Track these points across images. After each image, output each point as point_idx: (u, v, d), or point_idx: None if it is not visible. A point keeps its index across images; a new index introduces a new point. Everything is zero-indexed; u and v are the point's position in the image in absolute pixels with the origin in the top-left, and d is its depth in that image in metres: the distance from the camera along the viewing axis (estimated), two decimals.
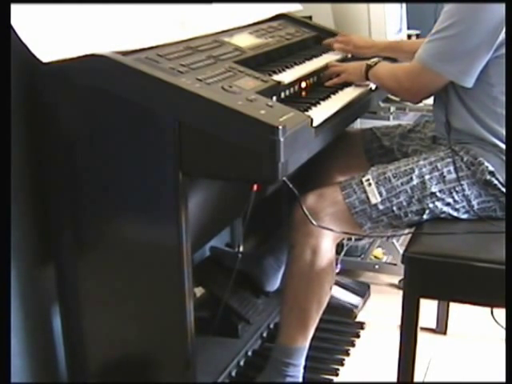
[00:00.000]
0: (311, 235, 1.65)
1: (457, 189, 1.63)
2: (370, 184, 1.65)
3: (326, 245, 1.67)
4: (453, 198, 1.63)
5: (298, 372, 1.75)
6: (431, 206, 1.64)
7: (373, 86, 1.85)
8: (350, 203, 1.65)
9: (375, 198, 1.64)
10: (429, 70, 1.63)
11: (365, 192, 1.65)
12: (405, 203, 1.64)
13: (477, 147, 1.64)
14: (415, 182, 1.64)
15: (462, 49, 1.58)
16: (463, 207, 1.64)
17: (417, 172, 1.64)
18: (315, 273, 1.68)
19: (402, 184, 1.64)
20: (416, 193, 1.64)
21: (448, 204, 1.63)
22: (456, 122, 1.69)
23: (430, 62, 1.63)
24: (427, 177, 1.64)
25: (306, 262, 1.67)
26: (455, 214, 1.64)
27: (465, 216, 1.65)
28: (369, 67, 1.78)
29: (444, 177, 1.63)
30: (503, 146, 1.62)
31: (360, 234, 1.82)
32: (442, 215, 1.65)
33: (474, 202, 1.63)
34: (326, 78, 1.83)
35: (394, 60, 2.00)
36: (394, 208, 1.64)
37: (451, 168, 1.64)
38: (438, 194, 1.63)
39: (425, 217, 1.65)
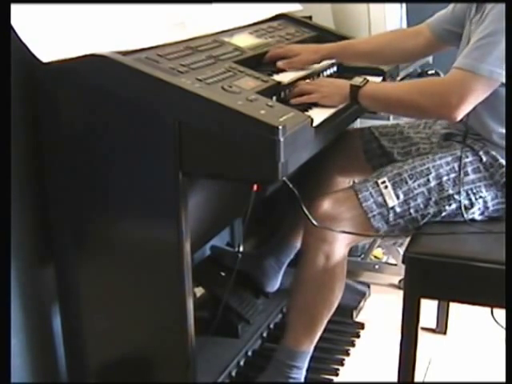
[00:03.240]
0: (325, 240, 1.62)
1: (474, 191, 1.61)
2: (386, 186, 1.61)
3: (339, 250, 1.65)
4: (470, 199, 1.61)
5: (300, 375, 1.75)
6: (448, 208, 1.61)
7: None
8: (367, 207, 1.61)
9: (392, 201, 1.60)
10: (485, 78, 1.48)
11: (381, 195, 1.61)
12: (422, 206, 1.61)
13: (497, 147, 1.61)
14: (432, 183, 1.61)
15: None
16: (479, 209, 1.62)
17: (434, 173, 1.61)
18: (327, 278, 1.66)
19: (419, 186, 1.61)
20: (433, 195, 1.61)
21: (464, 206, 1.60)
22: (477, 124, 1.64)
23: (487, 69, 1.47)
24: (445, 178, 1.61)
25: (319, 268, 1.65)
26: (470, 216, 1.62)
27: (479, 218, 1.63)
28: (357, 88, 1.58)
29: (462, 178, 1.60)
30: None
31: (372, 235, 1.77)
32: (457, 218, 1.62)
33: (490, 204, 1.62)
34: (292, 97, 1.60)
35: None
36: (412, 210, 1.61)
37: (469, 169, 1.61)
38: (455, 195, 1.60)
39: (439, 218, 1.62)
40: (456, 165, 1.61)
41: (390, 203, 1.61)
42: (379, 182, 1.63)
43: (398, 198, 1.61)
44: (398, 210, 1.62)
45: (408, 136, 1.90)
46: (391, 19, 2.51)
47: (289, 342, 1.74)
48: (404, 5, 2.72)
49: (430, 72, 2.71)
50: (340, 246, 1.64)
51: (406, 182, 1.62)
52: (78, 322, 1.51)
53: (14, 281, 1.43)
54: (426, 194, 1.61)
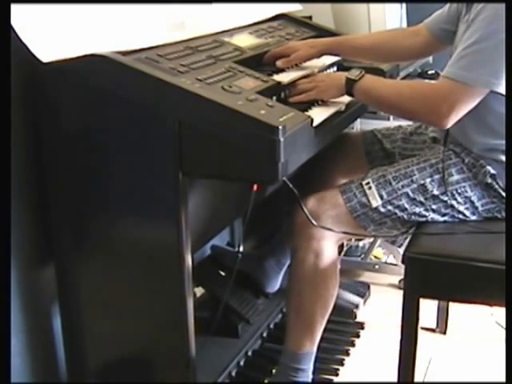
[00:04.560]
0: (313, 238, 1.64)
1: (459, 191, 1.61)
2: (370, 187, 1.63)
3: (329, 247, 1.66)
4: (456, 200, 1.62)
5: (306, 377, 1.75)
6: (434, 207, 1.62)
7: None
8: (351, 207, 1.63)
9: (376, 201, 1.62)
10: (472, 87, 1.48)
11: (365, 195, 1.63)
12: (407, 206, 1.63)
13: (477, 153, 1.61)
14: (416, 184, 1.62)
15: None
16: (467, 209, 1.62)
17: (417, 175, 1.63)
18: (319, 276, 1.67)
19: (402, 187, 1.63)
20: (417, 195, 1.62)
21: (451, 206, 1.62)
22: (460, 134, 1.64)
23: (473, 79, 1.47)
24: (428, 179, 1.62)
25: (310, 266, 1.66)
26: (460, 216, 1.63)
27: (473, 217, 1.63)
28: (352, 81, 1.57)
29: (445, 179, 1.61)
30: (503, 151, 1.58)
31: (361, 235, 1.80)
32: (447, 217, 1.63)
33: (478, 204, 1.62)
34: (292, 96, 1.59)
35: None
36: (397, 210, 1.63)
37: (452, 170, 1.62)
38: (440, 196, 1.62)
39: (429, 219, 1.63)
40: (440, 166, 1.63)
41: (374, 203, 1.63)
42: (363, 183, 1.64)
43: (381, 198, 1.63)
44: (382, 209, 1.63)
45: (410, 139, 1.90)
46: (391, 19, 2.51)
47: (290, 345, 1.74)
48: (404, 5, 2.73)
49: (429, 72, 2.72)
50: (329, 243, 1.65)
51: (390, 183, 1.63)
52: (78, 322, 1.51)
53: (14, 281, 1.43)
54: (410, 194, 1.62)
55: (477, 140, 1.61)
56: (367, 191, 1.63)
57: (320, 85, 1.60)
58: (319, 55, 1.83)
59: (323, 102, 1.61)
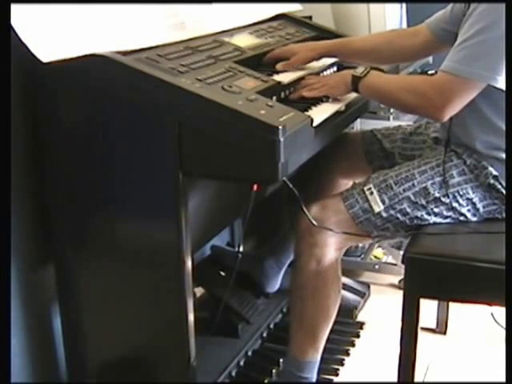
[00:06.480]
0: (316, 245, 1.63)
1: (461, 193, 1.61)
2: (371, 192, 1.63)
3: (330, 254, 1.65)
4: (457, 202, 1.61)
5: None
6: (436, 210, 1.62)
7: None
8: (353, 213, 1.63)
9: (378, 207, 1.62)
10: (466, 80, 1.49)
11: (367, 201, 1.62)
12: (409, 210, 1.62)
13: (480, 150, 1.61)
14: (417, 188, 1.62)
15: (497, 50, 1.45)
16: (469, 211, 1.62)
17: (418, 178, 1.62)
18: (320, 283, 1.66)
19: (404, 190, 1.62)
20: (419, 199, 1.61)
21: (453, 208, 1.61)
22: (461, 130, 1.64)
23: (467, 72, 1.47)
24: (430, 182, 1.61)
25: (311, 273, 1.65)
26: (462, 218, 1.62)
27: (474, 219, 1.63)
28: (358, 78, 1.60)
29: (447, 181, 1.61)
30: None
31: (364, 241, 1.79)
32: (449, 219, 1.63)
33: (480, 205, 1.62)
34: (299, 94, 1.63)
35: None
36: (399, 215, 1.62)
37: (454, 172, 1.62)
38: (442, 198, 1.61)
39: (431, 222, 1.63)
40: (441, 169, 1.62)
41: (376, 209, 1.62)
42: (365, 188, 1.64)
43: (383, 203, 1.62)
44: (384, 214, 1.63)
45: (410, 139, 1.89)
46: (391, 19, 2.51)
47: (293, 352, 1.73)
48: (404, 5, 2.73)
49: (430, 72, 2.72)
50: (331, 250, 1.65)
51: (392, 188, 1.63)
52: (78, 322, 1.51)
53: (14, 281, 1.43)
54: (412, 198, 1.62)
55: (479, 137, 1.60)
56: (369, 197, 1.63)
57: (329, 82, 1.65)
58: (319, 58, 1.83)
59: (323, 102, 1.61)
